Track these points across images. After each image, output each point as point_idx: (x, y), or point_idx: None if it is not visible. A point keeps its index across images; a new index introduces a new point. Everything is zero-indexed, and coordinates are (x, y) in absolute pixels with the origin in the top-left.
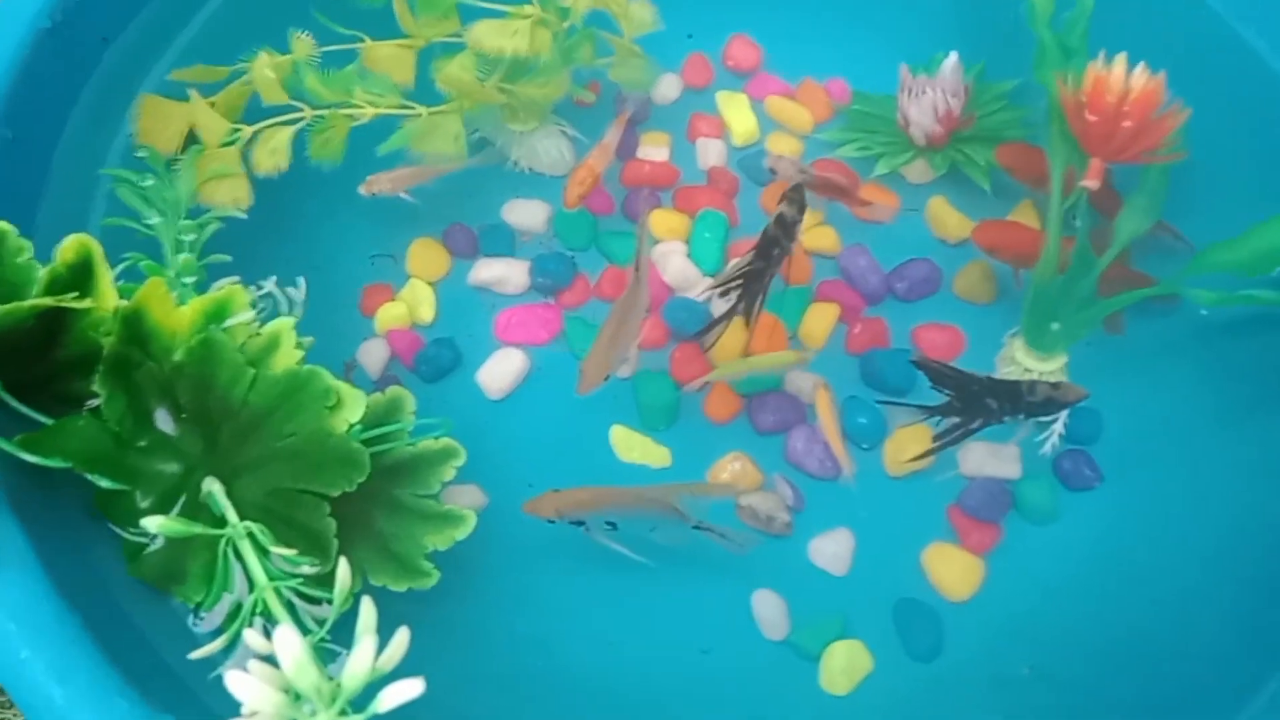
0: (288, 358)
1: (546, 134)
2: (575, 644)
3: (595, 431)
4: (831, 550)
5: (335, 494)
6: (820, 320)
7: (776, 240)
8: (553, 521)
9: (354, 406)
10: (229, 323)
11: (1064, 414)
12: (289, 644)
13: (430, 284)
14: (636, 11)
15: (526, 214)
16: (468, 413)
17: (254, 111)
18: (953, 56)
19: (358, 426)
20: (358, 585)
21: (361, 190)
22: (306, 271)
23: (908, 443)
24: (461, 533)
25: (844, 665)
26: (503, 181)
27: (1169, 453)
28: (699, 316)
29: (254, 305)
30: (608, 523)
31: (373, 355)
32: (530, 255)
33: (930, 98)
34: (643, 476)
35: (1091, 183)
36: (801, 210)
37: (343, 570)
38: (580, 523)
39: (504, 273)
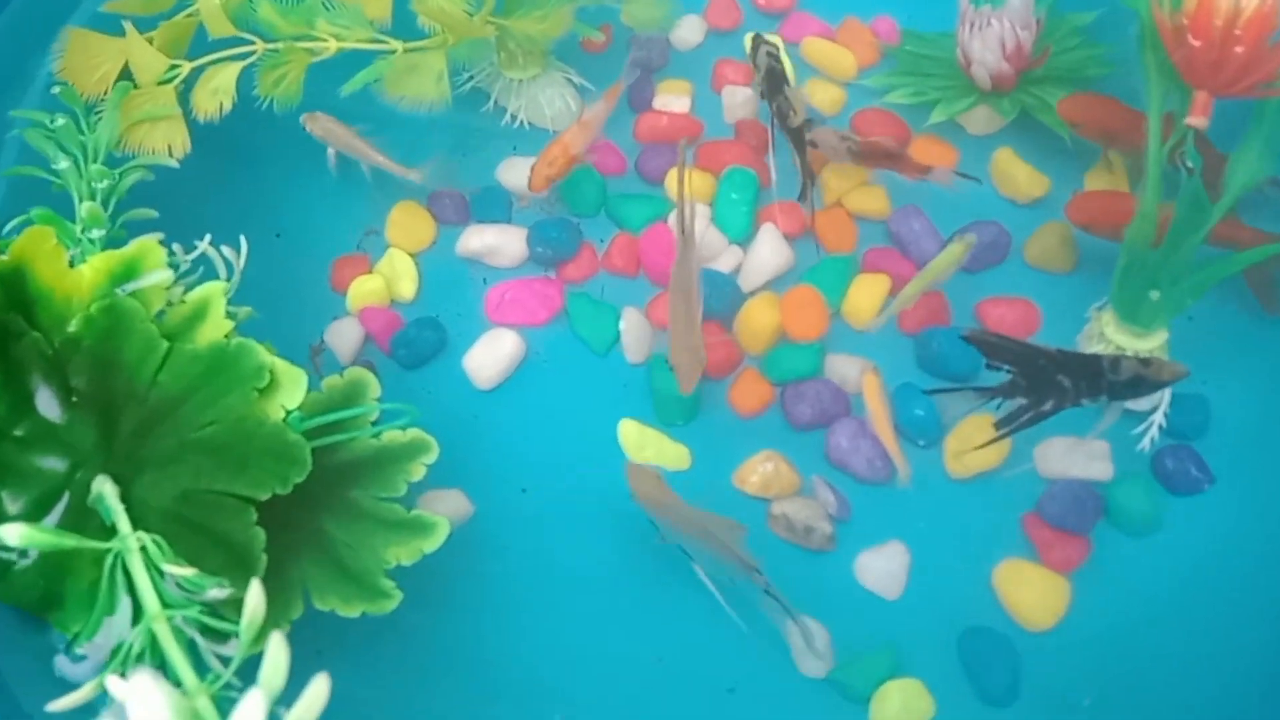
0: (215, 330)
1: (549, 82)
2: (575, 681)
3: (601, 427)
4: (883, 568)
5: (263, 497)
6: (868, 295)
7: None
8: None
9: (292, 389)
10: (137, 284)
11: (1163, 400)
12: (146, 698)
13: (412, 255)
14: None
15: (526, 174)
16: (452, 405)
17: (203, 48)
18: None
19: (297, 414)
20: (297, 611)
21: (303, 121)
22: (267, 237)
23: (974, 438)
24: (430, 544)
25: (899, 709)
26: (499, 137)
27: None
28: (725, 292)
29: (181, 270)
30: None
31: (344, 337)
32: (528, 222)
33: (996, 30)
34: None
35: (1198, 120)
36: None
37: (253, 596)
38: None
39: (497, 241)
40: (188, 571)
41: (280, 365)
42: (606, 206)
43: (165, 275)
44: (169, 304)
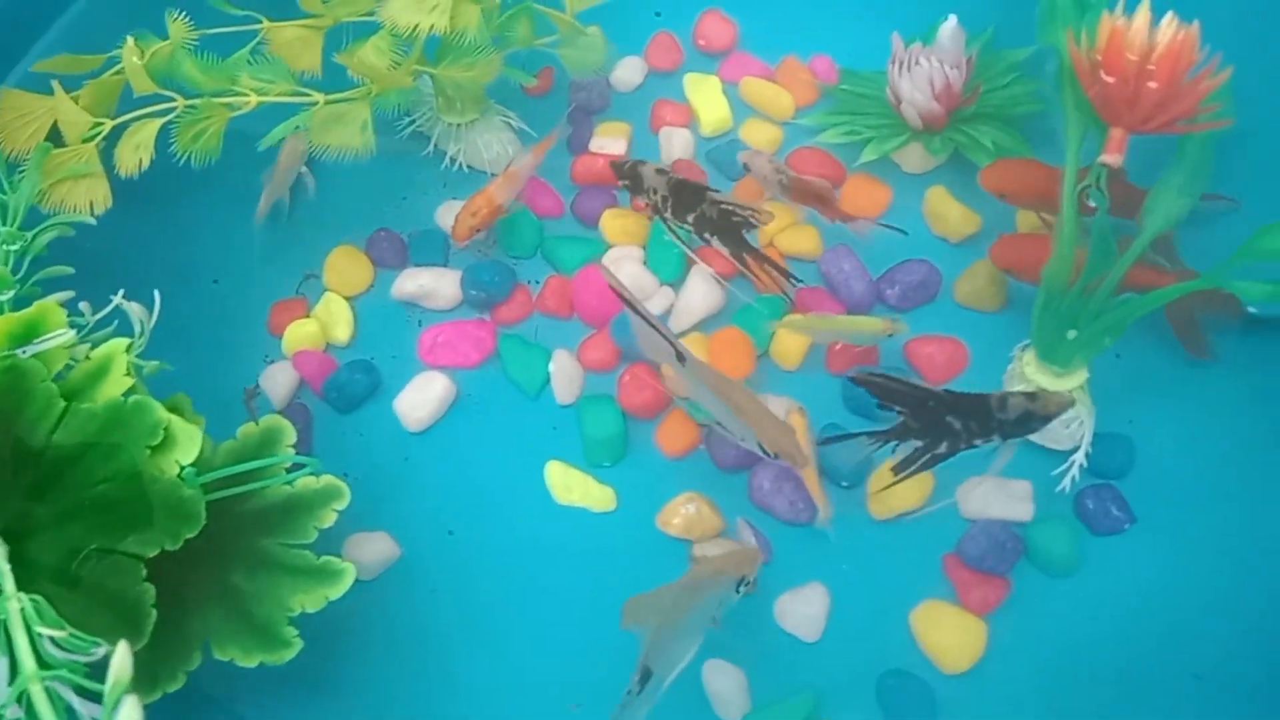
0: (115, 387)
1: (487, 127)
2: None
3: (529, 469)
4: (802, 611)
5: (151, 554)
6: (795, 336)
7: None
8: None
9: (188, 445)
10: (38, 346)
11: (1084, 440)
12: None
13: (349, 298)
14: None
15: None
16: (383, 448)
17: (132, 104)
18: (951, 20)
19: (191, 469)
20: (195, 663)
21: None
22: (207, 283)
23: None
24: (335, 591)
25: None
26: (438, 180)
27: (1214, 487)
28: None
29: (89, 327)
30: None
31: (278, 381)
32: (464, 265)
33: (925, 70)
34: (582, 521)
35: (1112, 158)
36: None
37: (118, 659)
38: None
39: (431, 284)
40: (59, 634)
41: (176, 422)
42: (543, 248)
43: (67, 336)
44: (73, 361)
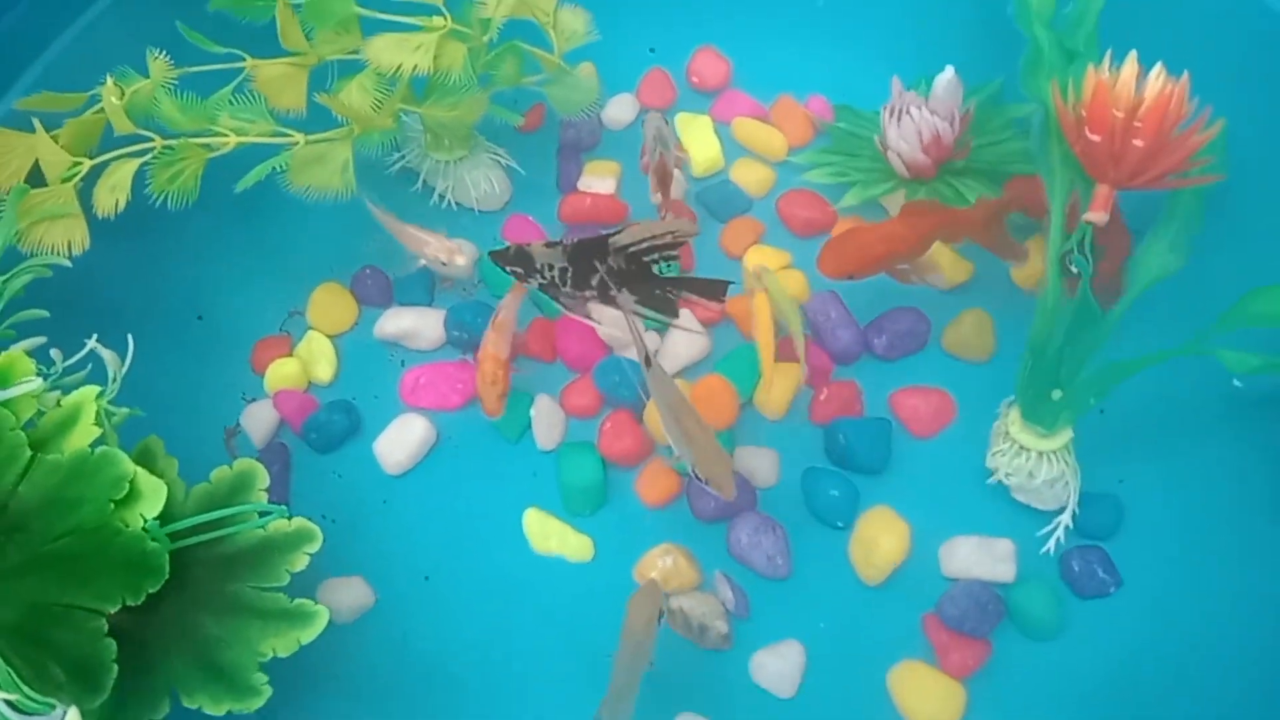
0: (83, 437)
1: (476, 164)
2: None
3: (507, 516)
4: (777, 668)
5: (112, 609)
6: (780, 384)
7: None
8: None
9: (153, 498)
10: (6, 394)
11: (1070, 500)
12: None
13: (333, 336)
14: (566, 21)
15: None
16: (361, 490)
17: (115, 143)
18: (948, 72)
19: (155, 521)
20: (162, 711)
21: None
22: (188, 320)
23: (883, 526)
24: (308, 634)
25: None
26: (426, 217)
27: (1204, 551)
28: (636, 381)
29: (62, 372)
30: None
31: (259, 420)
32: (448, 304)
33: (914, 121)
34: (558, 570)
35: (1097, 215)
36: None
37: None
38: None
39: (415, 324)
40: (10, 696)
41: (142, 474)
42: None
43: (35, 384)
44: (43, 410)
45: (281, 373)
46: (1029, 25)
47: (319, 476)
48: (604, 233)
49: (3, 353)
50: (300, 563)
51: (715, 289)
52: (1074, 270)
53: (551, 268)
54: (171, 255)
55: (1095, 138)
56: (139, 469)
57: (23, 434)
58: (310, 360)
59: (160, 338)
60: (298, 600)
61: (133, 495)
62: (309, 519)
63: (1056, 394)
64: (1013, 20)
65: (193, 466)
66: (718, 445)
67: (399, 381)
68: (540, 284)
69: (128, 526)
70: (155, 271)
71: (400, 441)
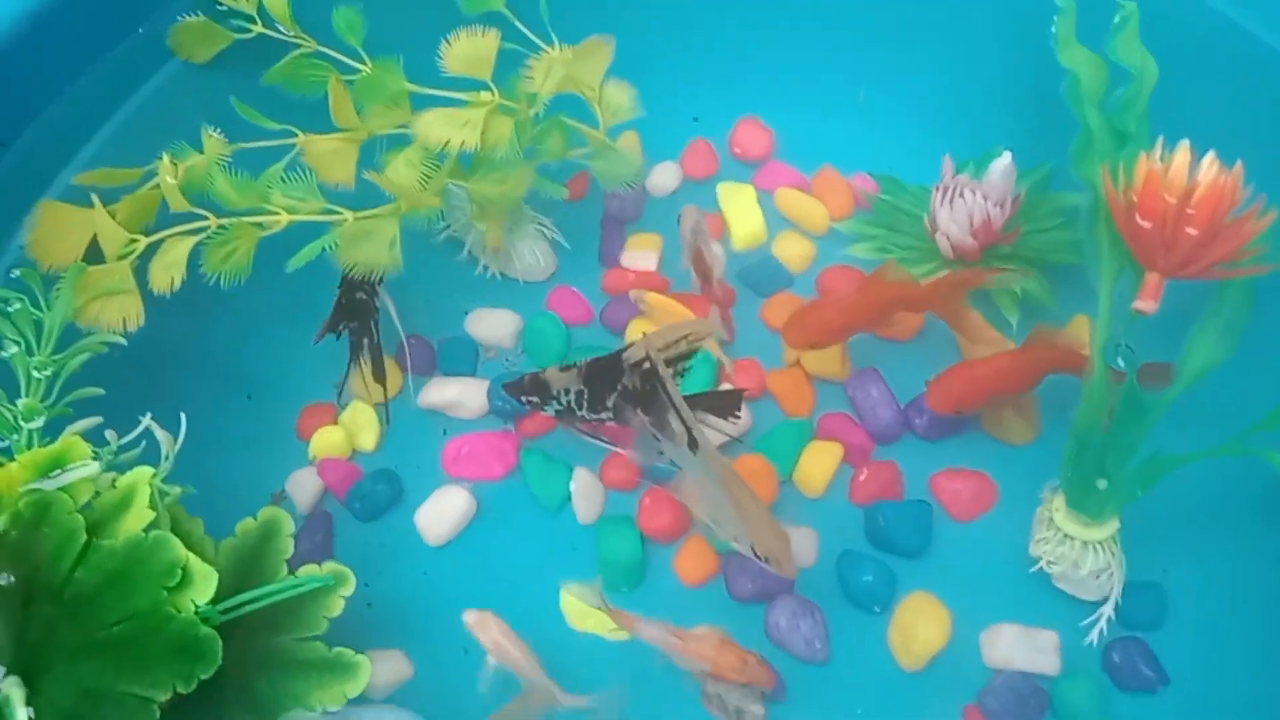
0: (137, 520)
1: (521, 235)
2: None
3: (545, 590)
4: None
5: (163, 698)
6: (819, 463)
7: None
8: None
9: (204, 585)
10: (61, 479)
11: (1114, 589)
12: None
13: (375, 405)
14: (612, 95)
15: (493, 326)
16: (402, 560)
17: (170, 218)
18: (1005, 157)
19: (209, 607)
20: None
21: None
22: (239, 387)
23: (923, 612)
24: (353, 688)
25: None
26: (470, 287)
27: (1252, 644)
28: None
29: (113, 452)
30: None
31: (304, 487)
32: (493, 374)
33: (966, 205)
34: (595, 648)
35: (1147, 305)
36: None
37: None
38: None
39: (459, 394)
40: None
41: (194, 560)
42: (571, 360)
43: (91, 469)
44: (97, 493)
45: (326, 440)
46: (1080, 106)
47: (361, 545)
48: (618, 349)
49: (61, 435)
50: (336, 607)
51: (729, 403)
52: (1120, 364)
53: (568, 392)
54: (220, 326)
55: (1146, 224)
56: (190, 555)
57: (80, 517)
58: (355, 429)
59: (209, 404)
60: (337, 649)
61: (185, 581)
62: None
63: (1102, 483)
64: (1063, 100)
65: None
66: (774, 521)
67: (441, 451)
68: (556, 410)
69: (179, 612)
70: (204, 341)
71: (441, 513)
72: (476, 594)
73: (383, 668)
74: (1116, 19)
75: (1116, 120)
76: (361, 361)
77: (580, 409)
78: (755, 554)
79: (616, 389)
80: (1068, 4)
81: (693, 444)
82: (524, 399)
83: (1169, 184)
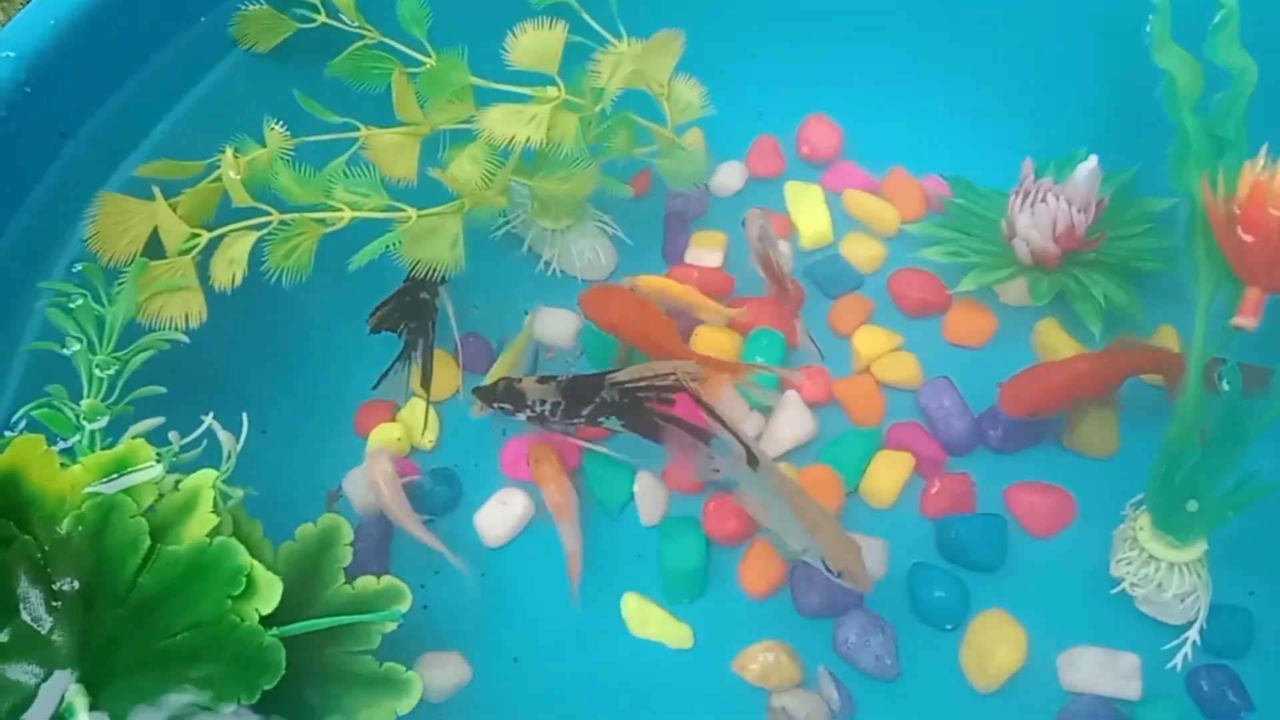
0: (201, 525)
1: (583, 233)
2: None
3: (606, 595)
4: None
5: (228, 709)
6: (889, 474)
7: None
8: None
9: (268, 594)
10: (123, 482)
11: (1199, 613)
12: None
13: (434, 403)
14: (681, 92)
15: (553, 325)
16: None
17: (230, 213)
18: (1091, 161)
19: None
20: None
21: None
22: (294, 383)
23: (999, 631)
24: (404, 705)
25: None
26: (530, 285)
27: None
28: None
29: (176, 452)
30: None
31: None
32: (551, 370)
33: (1049, 209)
34: (656, 656)
35: (1247, 321)
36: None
37: None
38: None
39: None
40: None
41: (258, 568)
42: (632, 361)
43: (154, 471)
44: (160, 495)
45: (384, 437)
46: (1176, 110)
47: (419, 546)
48: (603, 371)
49: (123, 434)
50: (391, 623)
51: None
52: (1225, 385)
53: (543, 402)
54: (281, 322)
55: (1249, 238)
56: (254, 562)
57: (144, 521)
58: (414, 426)
59: (268, 401)
60: (387, 664)
61: (249, 590)
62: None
63: (1192, 505)
64: (1152, 104)
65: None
66: (845, 532)
67: (500, 452)
68: (528, 417)
69: (243, 620)
70: (264, 337)
71: (501, 516)
72: (535, 597)
73: (440, 671)
74: (1216, 18)
75: (1215, 125)
76: (412, 364)
77: (553, 417)
78: (827, 568)
79: (594, 402)
80: (1163, 2)
81: (752, 461)
82: (495, 405)
83: (1275, 196)
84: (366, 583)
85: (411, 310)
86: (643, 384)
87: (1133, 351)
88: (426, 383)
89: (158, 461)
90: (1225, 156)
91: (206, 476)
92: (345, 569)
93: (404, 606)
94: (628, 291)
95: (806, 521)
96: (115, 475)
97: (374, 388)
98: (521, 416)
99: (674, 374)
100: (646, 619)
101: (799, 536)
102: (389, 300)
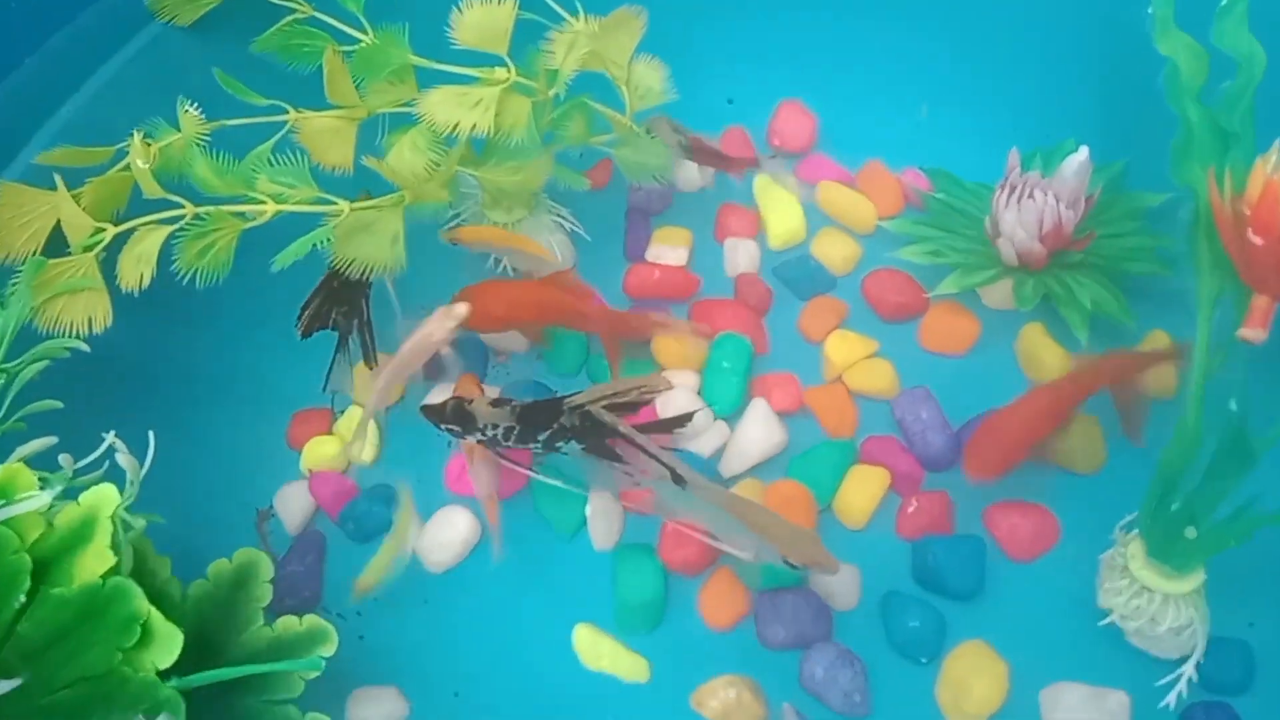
0: (96, 561)
1: (538, 227)
2: None
3: (556, 624)
4: None
5: None
6: (862, 491)
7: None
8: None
9: (166, 647)
10: (5, 513)
11: (1195, 647)
12: None
13: (376, 415)
14: (641, 76)
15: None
16: (400, 585)
17: (141, 205)
18: (1081, 153)
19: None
20: None
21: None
22: (216, 394)
23: (977, 665)
24: None
25: None
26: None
27: None
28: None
29: (69, 477)
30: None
31: (293, 504)
32: (503, 381)
33: (1036, 206)
34: (609, 691)
35: (1253, 333)
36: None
37: None
38: None
39: None
40: None
41: (156, 618)
42: (588, 367)
43: (39, 501)
44: (49, 525)
45: (319, 452)
46: (1179, 101)
47: (355, 569)
48: (559, 396)
49: (10, 457)
50: (315, 668)
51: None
52: (1232, 407)
53: (495, 426)
54: (200, 326)
55: (1258, 241)
56: (153, 609)
57: (26, 558)
58: (351, 439)
59: (186, 414)
60: (310, 715)
61: (144, 640)
62: (338, 618)
63: (1191, 532)
64: (1145, 92)
65: (224, 552)
66: (795, 526)
67: (445, 466)
68: (478, 439)
69: (137, 672)
70: (180, 344)
71: (443, 539)
72: (480, 626)
73: (375, 707)
74: (1223, 1)
75: (1220, 117)
76: (349, 347)
77: (507, 441)
78: (790, 564)
79: (551, 427)
80: None
81: (678, 480)
82: (445, 428)
83: None
84: (288, 623)
85: (340, 295)
86: (604, 403)
87: (1097, 366)
88: (370, 358)
89: (43, 488)
90: (1231, 151)
91: (104, 501)
92: (265, 608)
93: (328, 651)
94: (494, 281)
95: (754, 527)
96: None
97: (324, 389)
98: (470, 440)
99: (637, 389)
100: (600, 651)
101: (749, 544)
102: (314, 294)
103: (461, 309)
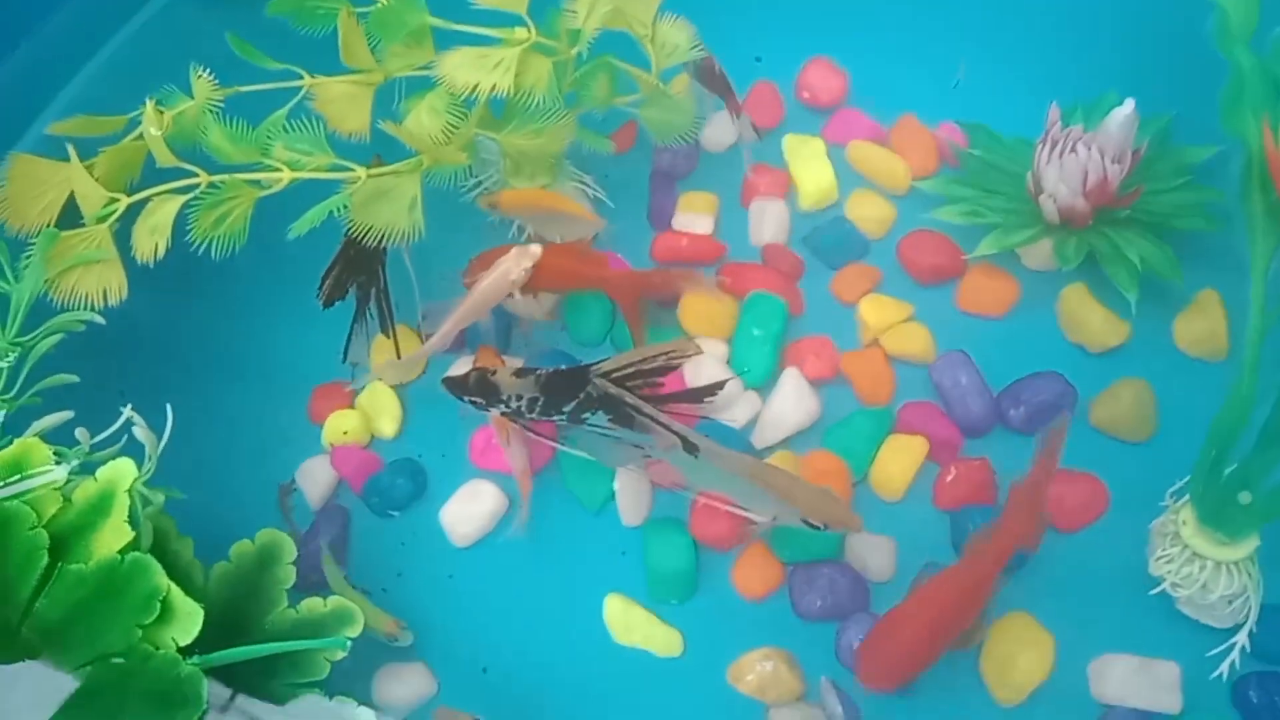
0: (113, 537)
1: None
2: None
3: (586, 599)
4: None
5: None
6: (900, 461)
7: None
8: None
9: (186, 624)
10: (13, 488)
11: (1249, 615)
12: None
13: (396, 387)
14: (666, 34)
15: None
16: (425, 562)
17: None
18: (1127, 105)
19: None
20: None
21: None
22: (235, 367)
23: (1022, 637)
24: None
25: None
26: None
27: None
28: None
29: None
30: None
31: (316, 477)
32: (523, 352)
33: (1079, 159)
34: (642, 665)
35: None
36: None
37: None
38: None
39: None
40: None
41: (176, 594)
42: (613, 336)
43: (54, 475)
44: (67, 500)
45: (341, 425)
46: (1230, 48)
47: (379, 544)
48: (584, 364)
49: (26, 432)
50: (340, 651)
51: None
52: None
53: (519, 397)
54: (218, 298)
55: None
56: (172, 585)
57: (43, 534)
58: (373, 413)
59: (205, 388)
60: (338, 698)
61: (164, 616)
62: (365, 592)
63: (1245, 497)
64: (1192, 40)
65: (246, 529)
66: (815, 487)
67: (469, 440)
68: (502, 411)
69: (158, 649)
70: (200, 317)
71: (469, 512)
72: (507, 602)
73: (401, 685)
74: None
75: (1273, 64)
76: (367, 317)
77: (531, 413)
78: (811, 524)
79: (578, 397)
80: None
81: (690, 448)
82: (468, 400)
83: None
84: (312, 605)
85: (358, 263)
86: (631, 370)
87: (999, 538)
88: (388, 328)
89: (59, 463)
90: None
91: (122, 475)
92: (289, 589)
93: (354, 631)
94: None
95: (774, 490)
96: (8, 480)
97: (343, 360)
98: (495, 412)
99: (664, 355)
100: (631, 624)
101: (770, 506)
102: (334, 263)
103: (536, 249)
